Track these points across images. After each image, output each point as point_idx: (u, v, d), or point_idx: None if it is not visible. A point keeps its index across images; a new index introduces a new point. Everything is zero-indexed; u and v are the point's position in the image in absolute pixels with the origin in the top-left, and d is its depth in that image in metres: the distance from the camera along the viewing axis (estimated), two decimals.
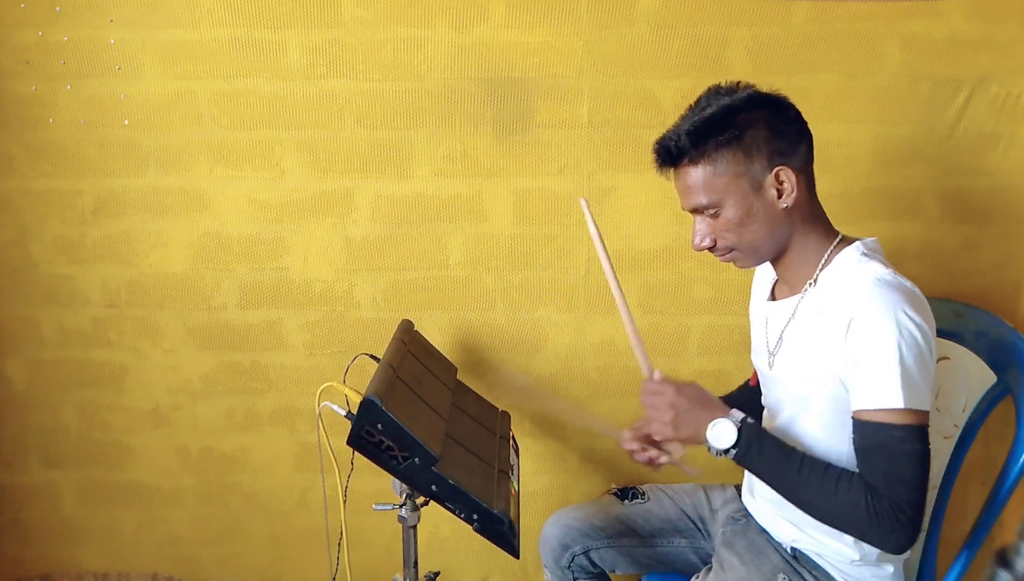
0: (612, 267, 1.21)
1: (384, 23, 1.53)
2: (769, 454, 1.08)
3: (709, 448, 1.10)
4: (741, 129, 1.08)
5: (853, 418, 1.05)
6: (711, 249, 1.16)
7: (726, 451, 1.08)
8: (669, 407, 1.13)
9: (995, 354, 1.32)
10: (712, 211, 1.12)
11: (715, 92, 1.12)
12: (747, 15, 1.50)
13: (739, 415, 1.09)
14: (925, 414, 1.02)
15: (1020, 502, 1.26)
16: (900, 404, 1.00)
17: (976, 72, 1.51)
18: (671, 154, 1.12)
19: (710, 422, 1.09)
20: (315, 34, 1.53)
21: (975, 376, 1.32)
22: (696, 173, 1.10)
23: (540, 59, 1.54)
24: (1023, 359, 1.28)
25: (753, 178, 1.09)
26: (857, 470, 1.06)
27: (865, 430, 1.03)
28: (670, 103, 1.54)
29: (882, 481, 1.01)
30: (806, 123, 1.13)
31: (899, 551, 1.03)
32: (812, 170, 1.14)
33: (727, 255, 1.16)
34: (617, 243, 1.61)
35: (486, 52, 1.53)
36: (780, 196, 1.10)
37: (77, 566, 1.79)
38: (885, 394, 1.00)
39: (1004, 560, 0.89)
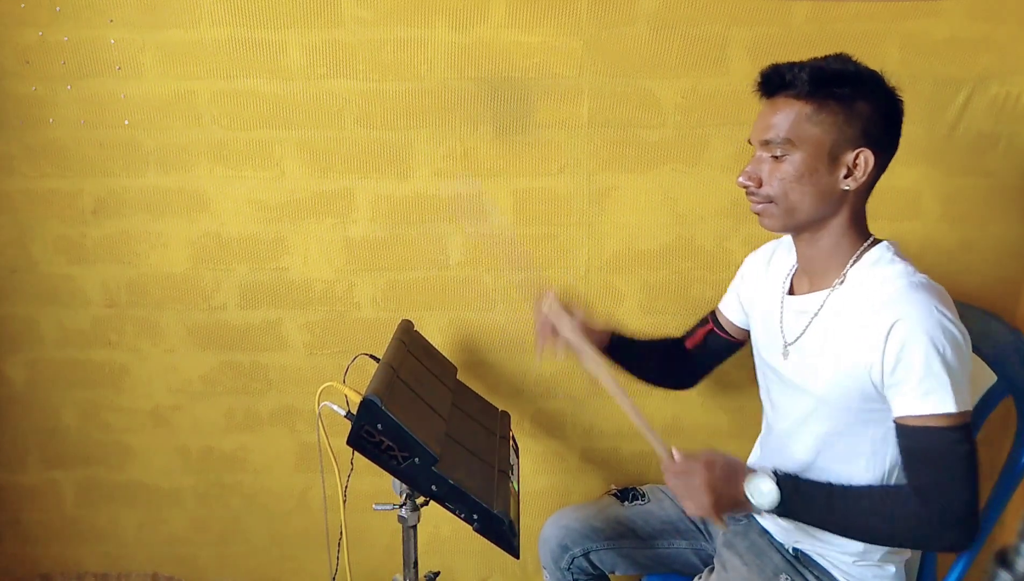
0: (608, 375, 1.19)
1: (384, 23, 1.53)
2: (811, 495, 1.07)
3: (755, 509, 1.08)
4: (856, 95, 1.07)
5: (899, 423, 1.03)
6: (752, 193, 1.12)
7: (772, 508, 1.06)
8: (706, 489, 1.07)
9: (995, 354, 1.31)
10: (780, 152, 1.09)
11: (845, 58, 1.11)
12: (747, 15, 1.50)
13: (767, 467, 1.08)
14: (970, 413, 1.02)
15: (1020, 502, 1.25)
16: (953, 408, 1.00)
17: (976, 72, 1.51)
18: (780, 80, 1.09)
19: (746, 487, 1.07)
20: (315, 34, 1.53)
21: (975, 376, 1.32)
22: (791, 109, 1.07)
23: (540, 59, 1.54)
24: (1023, 359, 1.28)
25: (836, 145, 1.07)
26: (888, 473, 1.07)
27: (915, 435, 1.02)
28: (670, 103, 1.54)
29: (934, 484, 1.01)
30: (900, 137, 1.13)
31: (961, 550, 1.04)
32: (879, 177, 1.13)
33: (761, 205, 1.12)
34: (617, 243, 1.61)
35: (486, 52, 1.53)
36: (848, 176, 1.08)
37: (77, 566, 1.79)
38: (937, 400, 1.00)
39: (1004, 560, 0.89)
